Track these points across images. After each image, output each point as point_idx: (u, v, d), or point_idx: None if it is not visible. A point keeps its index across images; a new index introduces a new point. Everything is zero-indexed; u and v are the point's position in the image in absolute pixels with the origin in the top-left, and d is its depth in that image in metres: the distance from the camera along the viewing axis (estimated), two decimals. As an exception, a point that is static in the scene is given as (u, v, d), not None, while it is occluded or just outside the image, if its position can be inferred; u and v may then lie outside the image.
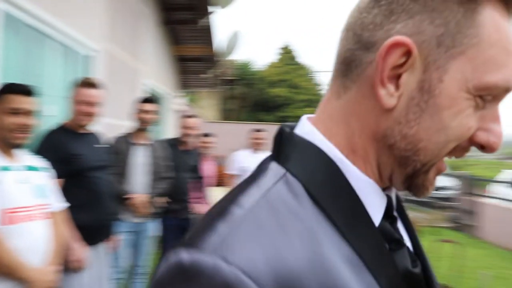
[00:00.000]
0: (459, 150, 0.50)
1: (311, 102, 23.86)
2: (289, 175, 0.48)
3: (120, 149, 3.33)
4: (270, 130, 7.04)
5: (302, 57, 56.57)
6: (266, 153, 4.34)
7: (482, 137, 0.49)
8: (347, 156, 0.50)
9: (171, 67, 8.06)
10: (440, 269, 4.77)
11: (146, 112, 3.41)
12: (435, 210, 9.49)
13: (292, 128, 0.54)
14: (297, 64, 25.33)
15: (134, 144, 3.42)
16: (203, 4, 6.48)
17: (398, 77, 0.47)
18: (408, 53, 0.46)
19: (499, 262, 6.48)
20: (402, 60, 0.46)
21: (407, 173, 0.51)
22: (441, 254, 4.82)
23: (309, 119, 0.55)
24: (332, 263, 0.42)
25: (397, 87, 0.48)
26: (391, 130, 0.49)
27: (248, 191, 0.46)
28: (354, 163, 0.50)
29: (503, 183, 9.68)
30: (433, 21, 0.46)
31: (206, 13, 6.66)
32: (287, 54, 25.47)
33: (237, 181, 4.95)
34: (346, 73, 0.51)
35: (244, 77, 22.99)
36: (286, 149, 0.51)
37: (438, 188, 11.59)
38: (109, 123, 4.32)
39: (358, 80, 0.50)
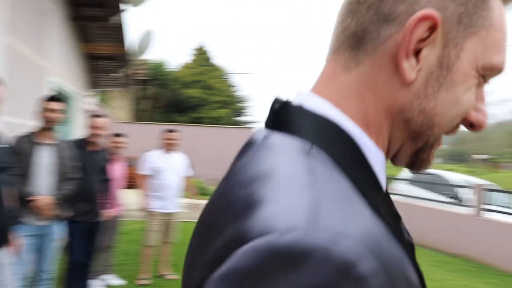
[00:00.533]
0: (456, 127, 0.53)
1: (225, 103, 23.93)
2: (315, 149, 0.46)
3: (22, 149, 3.19)
4: (183, 131, 7.12)
5: (217, 58, 55.34)
6: (178, 154, 4.83)
7: (473, 115, 0.52)
8: (362, 130, 0.49)
9: (80, 65, 7.76)
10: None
11: (52, 111, 3.28)
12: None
13: (291, 101, 0.52)
14: (212, 65, 25.26)
15: (38, 143, 3.28)
16: (114, 1, 6.30)
17: (418, 51, 0.48)
18: (432, 28, 0.46)
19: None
20: (426, 34, 0.47)
21: (418, 147, 0.52)
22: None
23: (312, 92, 0.53)
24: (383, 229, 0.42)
25: (417, 61, 0.48)
26: (409, 105, 0.49)
27: (287, 166, 0.43)
28: (368, 137, 0.50)
29: (403, 180, 10.38)
30: (442, 2, 0.48)
31: (117, 11, 6.47)
32: (201, 55, 25.36)
33: (149, 182, 4.93)
34: (358, 46, 0.50)
35: (157, 77, 22.64)
36: (300, 122, 0.48)
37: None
38: (10, 122, 4.10)
39: (374, 53, 0.49)
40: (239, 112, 25.78)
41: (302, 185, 0.40)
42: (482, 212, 7.49)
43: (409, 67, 0.47)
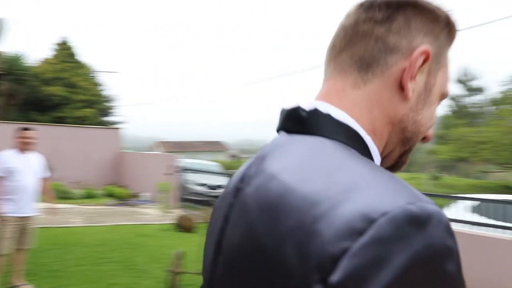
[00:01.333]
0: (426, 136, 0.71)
1: (91, 102, 22.76)
2: (351, 148, 0.59)
3: None
4: (43, 131, 6.38)
5: (82, 54, 50.73)
6: (34, 154, 4.44)
7: (430, 130, 0.70)
8: (370, 137, 0.62)
9: None
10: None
11: None
12: (211, 208, 10.18)
13: (318, 111, 0.62)
14: (76, 61, 23.73)
15: None
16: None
17: (414, 76, 0.63)
18: (425, 60, 0.62)
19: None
20: (421, 63, 0.62)
21: (404, 150, 0.68)
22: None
23: (328, 104, 0.63)
24: None
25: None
26: (406, 116, 0.63)
27: (352, 160, 0.54)
28: (373, 143, 0.62)
29: None
30: (435, 42, 0.64)
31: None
32: (64, 51, 23.58)
33: (1, 184, 4.54)
34: (367, 69, 0.63)
35: (12, 72, 20.76)
36: (333, 129, 0.59)
37: (214, 187, 12.57)
38: None
39: (381, 75, 0.62)
40: (106, 112, 24.54)
41: (381, 172, 0.52)
42: None
43: (411, 87, 0.62)
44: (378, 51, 0.62)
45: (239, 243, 0.55)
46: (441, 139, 29.17)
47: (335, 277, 0.43)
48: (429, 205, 0.47)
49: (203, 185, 12.74)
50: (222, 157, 40.10)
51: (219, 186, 12.42)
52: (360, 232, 0.44)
